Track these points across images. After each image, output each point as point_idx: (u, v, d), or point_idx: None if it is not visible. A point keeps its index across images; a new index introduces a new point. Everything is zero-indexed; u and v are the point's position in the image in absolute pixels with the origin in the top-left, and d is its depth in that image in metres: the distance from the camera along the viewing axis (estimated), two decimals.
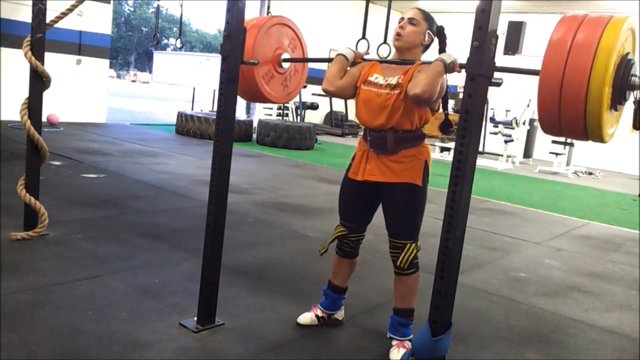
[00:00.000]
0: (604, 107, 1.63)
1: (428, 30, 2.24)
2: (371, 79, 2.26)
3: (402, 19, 2.25)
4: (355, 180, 2.31)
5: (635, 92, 1.74)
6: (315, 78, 13.31)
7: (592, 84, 1.59)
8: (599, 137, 1.71)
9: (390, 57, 2.35)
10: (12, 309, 2.32)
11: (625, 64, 1.69)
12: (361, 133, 2.36)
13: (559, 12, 12.80)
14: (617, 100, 1.72)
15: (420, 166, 2.24)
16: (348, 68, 2.34)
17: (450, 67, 2.05)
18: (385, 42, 4.03)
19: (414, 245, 2.25)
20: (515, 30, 11.74)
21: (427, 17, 2.26)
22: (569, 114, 1.65)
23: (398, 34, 2.23)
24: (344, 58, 2.31)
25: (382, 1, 13.01)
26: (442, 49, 2.23)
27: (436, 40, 2.28)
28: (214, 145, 2.30)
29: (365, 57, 2.40)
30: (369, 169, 2.27)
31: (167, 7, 48.53)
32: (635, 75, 1.72)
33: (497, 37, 1.73)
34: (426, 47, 2.28)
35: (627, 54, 1.71)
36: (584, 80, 1.59)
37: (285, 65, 2.62)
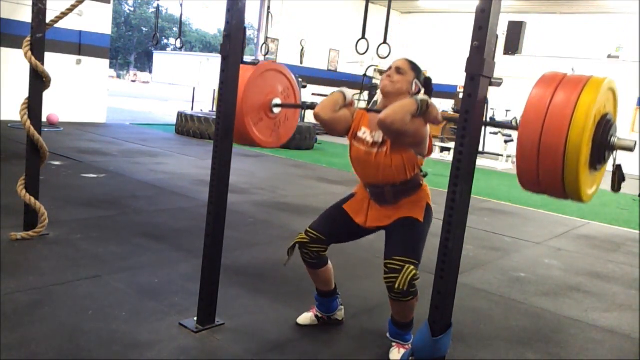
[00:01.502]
0: (582, 168, 1.62)
1: (415, 80, 2.24)
2: (360, 134, 2.29)
3: (390, 68, 2.26)
4: (354, 220, 2.34)
5: (614, 152, 1.74)
6: (314, 78, 13.34)
7: (569, 144, 1.59)
8: (577, 197, 1.71)
9: (378, 102, 2.35)
10: (12, 309, 2.32)
11: (604, 124, 1.69)
12: None
13: (559, 12, 12.86)
14: (597, 160, 1.72)
15: (422, 207, 2.27)
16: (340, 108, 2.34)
17: (423, 108, 2.03)
18: (385, 42, 4.04)
19: (412, 267, 2.08)
20: (515, 30, 11.73)
21: (414, 67, 2.27)
22: (547, 173, 1.65)
23: (386, 82, 2.24)
24: (342, 95, 2.34)
25: (382, 1, 13.01)
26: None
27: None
28: (214, 146, 2.30)
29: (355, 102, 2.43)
30: (372, 215, 2.31)
31: (167, 7, 48.56)
32: (614, 136, 1.72)
33: (497, 37, 1.73)
34: (413, 96, 2.25)
35: (607, 114, 1.72)
36: (561, 140, 1.59)
37: (276, 110, 2.63)
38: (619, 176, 1.76)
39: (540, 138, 1.62)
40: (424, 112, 2.05)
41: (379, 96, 2.32)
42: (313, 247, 2.32)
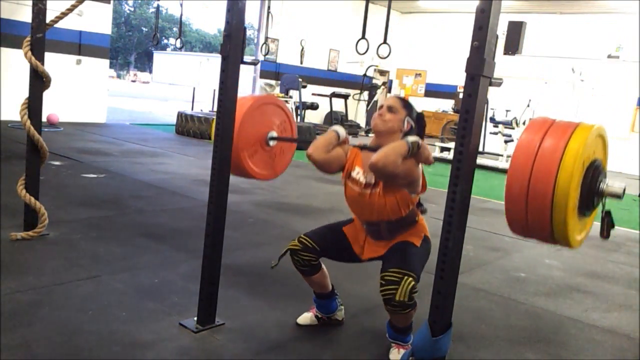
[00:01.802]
0: (570, 213, 1.62)
1: (407, 117, 2.25)
2: (353, 174, 2.29)
3: (382, 106, 2.27)
4: (351, 245, 2.36)
5: (603, 198, 1.74)
6: (314, 78, 13.33)
7: (557, 189, 1.59)
8: (566, 243, 1.71)
9: (370, 138, 2.36)
10: (12, 309, 2.32)
11: (593, 170, 1.70)
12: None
13: (559, 12, 12.86)
14: (585, 206, 1.72)
15: (419, 236, 2.27)
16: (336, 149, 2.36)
17: (414, 149, 2.05)
18: (385, 42, 4.04)
19: (411, 279, 2.03)
20: (515, 30, 11.72)
21: (406, 105, 2.27)
22: (536, 218, 1.65)
23: (377, 121, 2.25)
24: (335, 135, 2.34)
25: (382, 1, 13.01)
26: (419, 135, 2.26)
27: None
28: (214, 146, 2.30)
29: (350, 140, 2.43)
30: (368, 249, 2.33)
31: (167, 7, 48.49)
32: (604, 182, 1.72)
33: (497, 37, 1.73)
34: (406, 134, 2.24)
35: (595, 160, 1.72)
36: (549, 185, 1.59)
37: (272, 143, 2.65)
38: (607, 222, 1.77)
39: (528, 183, 1.62)
40: (415, 153, 2.06)
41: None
42: (304, 255, 2.32)
